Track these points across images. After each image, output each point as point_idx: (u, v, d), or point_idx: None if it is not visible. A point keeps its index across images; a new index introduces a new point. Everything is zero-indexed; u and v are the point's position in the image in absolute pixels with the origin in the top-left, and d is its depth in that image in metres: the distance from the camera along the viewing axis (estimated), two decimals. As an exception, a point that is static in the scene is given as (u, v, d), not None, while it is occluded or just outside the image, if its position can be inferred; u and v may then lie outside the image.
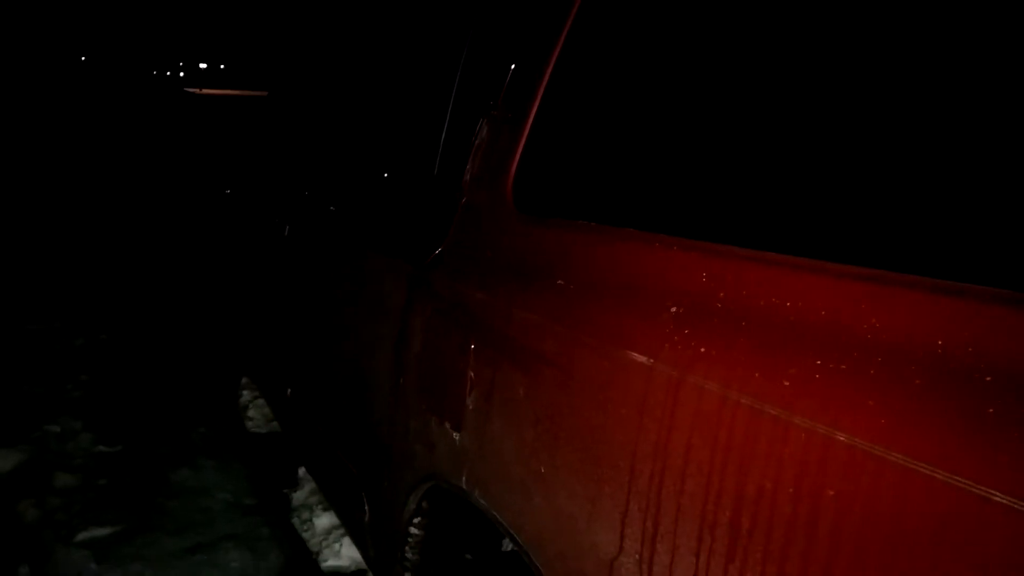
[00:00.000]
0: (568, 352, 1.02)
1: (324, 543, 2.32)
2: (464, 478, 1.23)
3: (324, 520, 2.38)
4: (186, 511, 3.16)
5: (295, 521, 2.42)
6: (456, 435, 1.25)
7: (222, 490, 3.32)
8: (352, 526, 1.98)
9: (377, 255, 1.72)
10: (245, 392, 3.39)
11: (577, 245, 1.11)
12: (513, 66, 1.38)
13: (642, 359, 0.89)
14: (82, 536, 2.93)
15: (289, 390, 2.41)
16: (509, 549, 1.56)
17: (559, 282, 1.10)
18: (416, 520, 1.51)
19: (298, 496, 2.55)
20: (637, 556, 0.87)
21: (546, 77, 1.29)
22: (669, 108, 1.11)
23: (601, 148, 1.20)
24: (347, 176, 2.10)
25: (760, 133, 0.95)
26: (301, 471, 2.69)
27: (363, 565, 2.24)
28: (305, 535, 2.37)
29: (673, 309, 0.90)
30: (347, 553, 2.26)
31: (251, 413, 3.20)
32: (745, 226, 0.91)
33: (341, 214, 2.04)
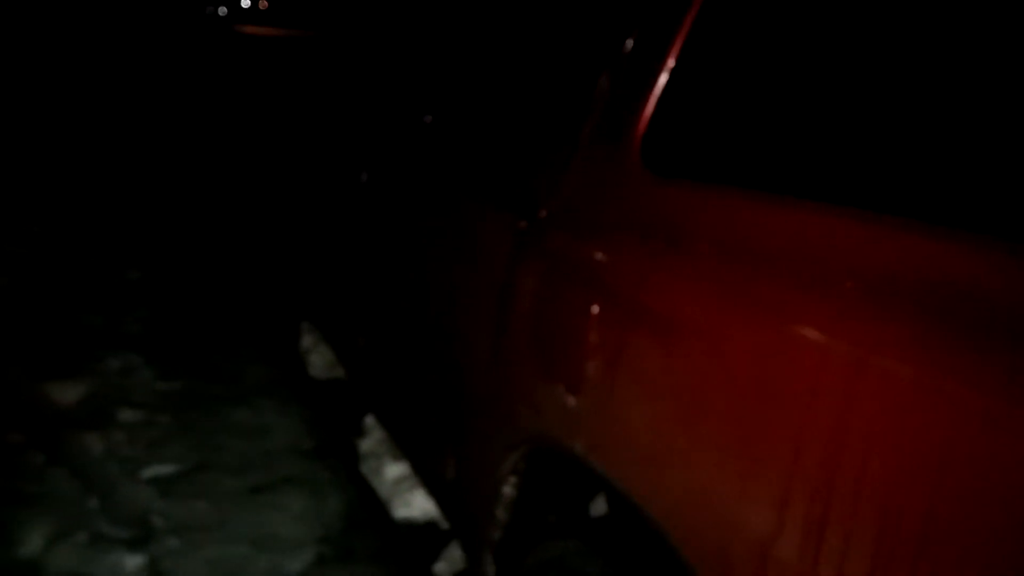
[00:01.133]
0: (720, 323, 0.96)
1: (394, 493, 2.32)
2: (580, 443, 1.19)
3: (394, 470, 2.38)
4: (246, 451, 3.19)
5: (364, 469, 2.43)
6: (572, 399, 1.22)
7: (282, 432, 3.35)
8: (431, 479, 1.97)
9: (477, 205, 1.67)
10: (306, 337, 3.39)
11: (725, 211, 1.05)
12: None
13: (816, 335, 0.84)
14: (147, 472, 2.97)
15: (361, 339, 2.40)
16: (599, 514, 1.53)
17: (702, 247, 1.04)
18: (512, 479, 1.49)
19: (365, 444, 2.55)
20: (798, 541, 0.83)
21: (692, 11, 1.19)
22: (848, 62, 1.04)
23: (757, 105, 1.13)
24: (442, 122, 2.04)
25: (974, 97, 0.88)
26: (368, 419, 2.69)
27: (435, 516, 2.24)
28: (374, 483, 2.37)
29: (850, 285, 0.84)
30: (419, 504, 2.27)
31: (313, 359, 3.21)
32: (942, 203, 0.84)
33: (432, 161, 1.98)
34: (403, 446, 2.20)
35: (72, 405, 3.43)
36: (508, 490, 1.52)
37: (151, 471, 3.00)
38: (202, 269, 5.28)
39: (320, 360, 3.23)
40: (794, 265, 0.91)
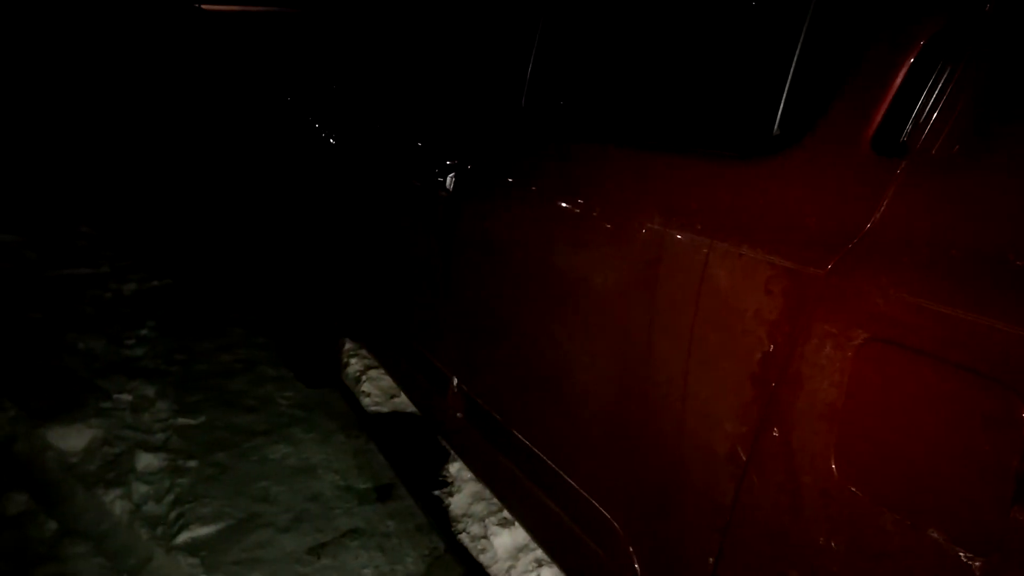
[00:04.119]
0: None
1: (513, 569, 1.86)
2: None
3: (505, 539, 1.91)
4: (294, 497, 2.72)
5: (463, 538, 1.97)
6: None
7: (330, 470, 2.89)
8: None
9: (695, 237, 1.17)
10: (353, 361, 2.90)
11: None
12: None
13: None
14: (183, 537, 2.49)
15: (456, 380, 1.91)
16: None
17: None
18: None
19: (458, 502, 2.08)
20: None
21: None
22: None
23: None
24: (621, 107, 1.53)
25: None
26: (454, 467, 2.22)
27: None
28: (482, 558, 1.91)
29: None
30: (554, 592, 1.81)
31: (365, 387, 2.71)
32: None
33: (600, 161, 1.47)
34: (523, 520, 1.73)
35: (80, 454, 2.92)
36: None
37: (188, 535, 2.52)
38: (207, 272, 4.74)
39: (374, 388, 2.75)
40: None
